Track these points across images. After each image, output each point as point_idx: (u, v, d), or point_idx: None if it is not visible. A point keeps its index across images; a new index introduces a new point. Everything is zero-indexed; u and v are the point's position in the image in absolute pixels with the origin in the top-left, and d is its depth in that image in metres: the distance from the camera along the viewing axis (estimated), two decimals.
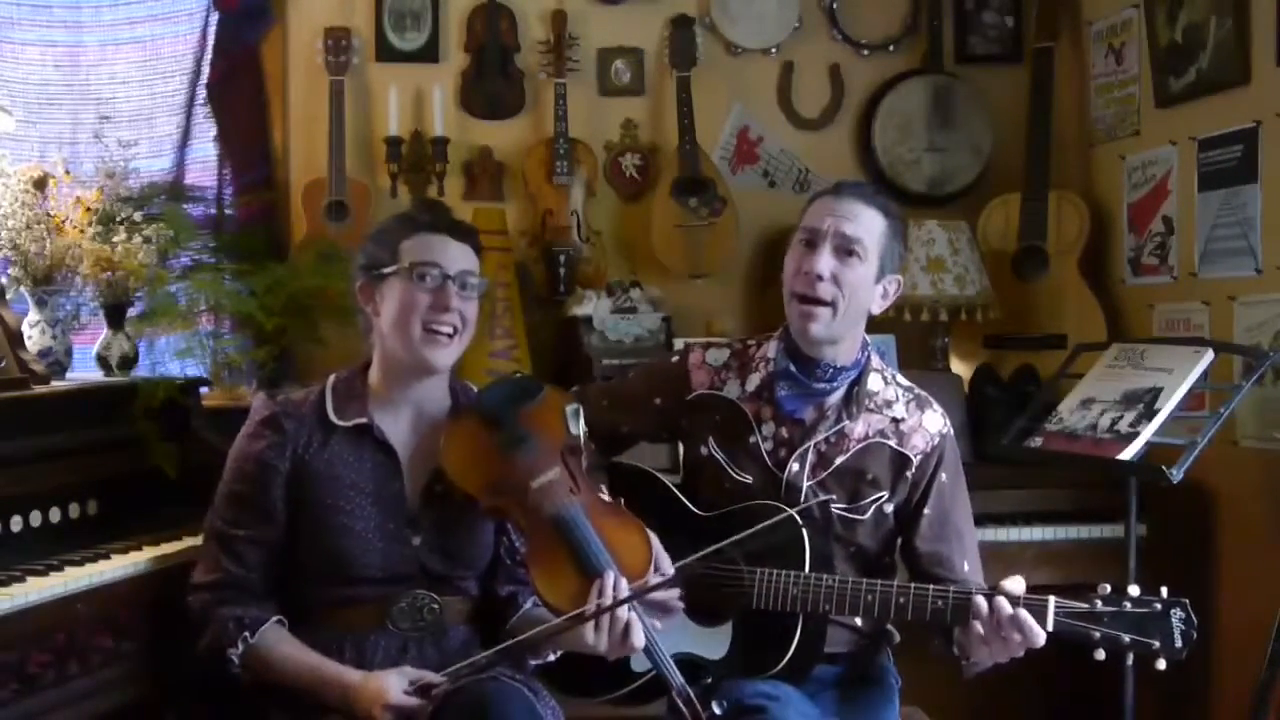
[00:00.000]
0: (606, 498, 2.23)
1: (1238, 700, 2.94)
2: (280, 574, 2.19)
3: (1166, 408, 2.77)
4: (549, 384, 2.29)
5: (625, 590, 2.04)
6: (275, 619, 2.14)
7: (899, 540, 2.34)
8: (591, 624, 2.01)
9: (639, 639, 2.03)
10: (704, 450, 2.35)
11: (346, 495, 2.16)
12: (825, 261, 2.19)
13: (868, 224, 2.21)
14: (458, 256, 2.20)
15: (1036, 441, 2.97)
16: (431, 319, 2.15)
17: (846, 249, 2.20)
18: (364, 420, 2.21)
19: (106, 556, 2.27)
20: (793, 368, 2.28)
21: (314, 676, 2.09)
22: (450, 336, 2.17)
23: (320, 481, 2.17)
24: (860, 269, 2.21)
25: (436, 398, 2.27)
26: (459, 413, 2.25)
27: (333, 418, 2.21)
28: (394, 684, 2.03)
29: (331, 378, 2.28)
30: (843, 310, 2.21)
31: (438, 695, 2.02)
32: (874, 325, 3.53)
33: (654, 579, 2.10)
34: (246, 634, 2.10)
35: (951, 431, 2.35)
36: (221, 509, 2.20)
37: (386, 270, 2.18)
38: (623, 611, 2.02)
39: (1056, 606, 2.03)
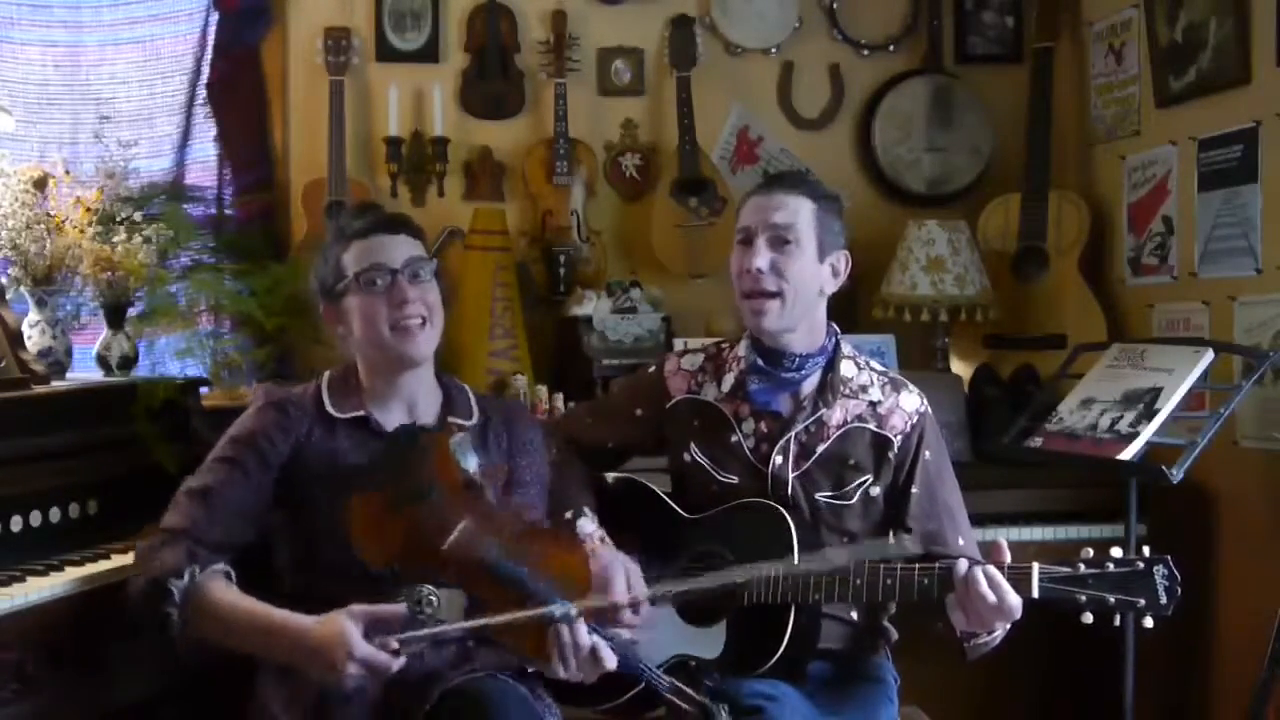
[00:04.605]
0: (531, 521, 2.15)
1: (1238, 700, 2.94)
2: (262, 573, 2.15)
3: (1166, 408, 2.77)
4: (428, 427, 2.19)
5: (581, 624, 1.95)
6: (224, 569, 2.06)
7: (891, 525, 2.34)
8: (559, 662, 1.96)
9: (609, 659, 1.97)
10: (687, 456, 2.37)
11: (348, 486, 2.16)
12: (762, 256, 2.24)
13: (796, 210, 2.26)
14: (398, 250, 2.19)
15: (1036, 441, 2.97)
16: (395, 318, 2.16)
17: (781, 239, 2.25)
18: (361, 413, 2.22)
19: (106, 556, 2.28)
20: (760, 361, 2.32)
21: (258, 625, 1.99)
22: (420, 325, 2.17)
23: (320, 473, 2.16)
24: (798, 255, 2.25)
25: (427, 389, 2.27)
26: (359, 487, 2.09)
27: (331, 410, 2.22)
28: (353, 631, 1.89)
29: (326, 374, 2.29)
30: (791, 299, 2.25)
31: (399, 652, 1.91)
32: (874, 325, 3.64)
33: (613, 599, 2.05)
34: (195, 568, 2.01)
35: (930, 410, 2.36)
36: (210, 467, 2.15)
37: (339, 288, 2.19)
38: (583, 640, 1.95)
39: (1041, 572, 2.04)
